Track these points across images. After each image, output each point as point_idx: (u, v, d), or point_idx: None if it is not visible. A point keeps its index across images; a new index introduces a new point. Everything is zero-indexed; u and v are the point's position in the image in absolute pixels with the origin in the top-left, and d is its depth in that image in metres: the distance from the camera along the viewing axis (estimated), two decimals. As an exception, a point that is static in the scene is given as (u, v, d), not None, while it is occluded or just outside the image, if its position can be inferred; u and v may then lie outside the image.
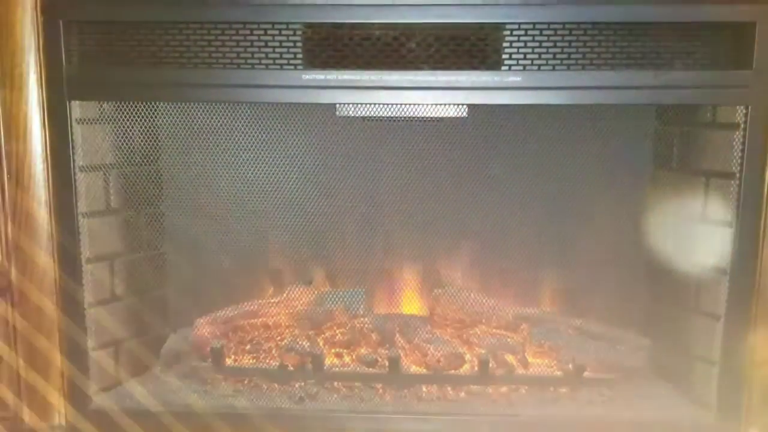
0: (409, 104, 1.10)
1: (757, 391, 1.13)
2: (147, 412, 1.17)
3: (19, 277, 1.12)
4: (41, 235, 1.11)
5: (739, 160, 1.10)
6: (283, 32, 1.06)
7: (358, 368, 1.26)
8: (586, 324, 1.32)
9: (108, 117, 1.19)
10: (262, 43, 1.06)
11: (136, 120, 1.21)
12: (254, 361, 1.29)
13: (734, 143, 1.10)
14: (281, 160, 1.28)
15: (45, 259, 1.12)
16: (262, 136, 1.26)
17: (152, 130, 1.25)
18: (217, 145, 1.28)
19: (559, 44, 1.05)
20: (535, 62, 1.06)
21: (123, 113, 1.20)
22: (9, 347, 1.13)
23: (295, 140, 1.28)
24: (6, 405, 1.14)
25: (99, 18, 1.09)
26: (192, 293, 1.34)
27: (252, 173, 1.28)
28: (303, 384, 1.25)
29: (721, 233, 1.13)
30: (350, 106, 1.11)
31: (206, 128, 1.26)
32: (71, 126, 1.11)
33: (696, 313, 1.19)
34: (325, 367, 1.25)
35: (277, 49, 1.07)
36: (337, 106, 1.11)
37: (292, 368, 1.26)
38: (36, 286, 1.12)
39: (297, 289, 1.36)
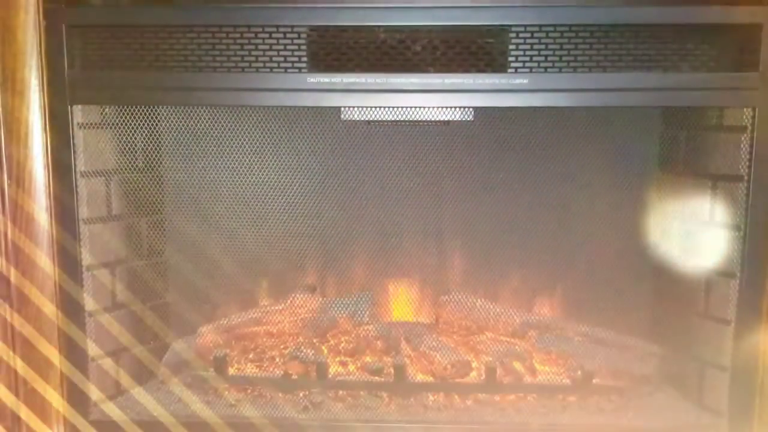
0: (415, 107, 1.09)
1: (769, 397, 1.11)
2: (149, 421, 1.16)
3: (20, 283, 1.10)
4: (42, 241, 1.10)
5: (746, 163, 1.09)
6: (288, 35, 1.06)
7: (363, 376, 1.25)
8: (594, 330, 1.31)
9: (110, 122, 1.18)
10: (267, 47, 1.06)
11: (139, 125, 1.20)
12: (258, 369, 1.28)
13: (741, 146, 1.10)
14: (285, 165, 1.27)
15: (46, 265, 1.10)
16: (266, 141, 1.26)
17: (155, 135, 1.24)
18: (221, 150, 1.27)
19: (565, 46, 1.05)
20: (542, 64, 1.05)
21: (125, 118, 1.19)
22: (10, 354, 1.11)
23: (299, 144, 1.27)
24: (6, 413, 1.12)
25: (101, 22, 1.08)
26: (195, 301, 1.32)
27: (256, 178, 1.27)
28: (307, 393, 1.23)
29: (729, 237, 1.12)
30: (355, 109, 1.11)
31: (209, 133, 1.25)
32: (73, 131, 1.10)
33: (706, 318, 1.18)
34: (329, 376, 1.24)
35: (281, 52, 1.06)
36: (342, 109, 1.11)
37: (296, 377, 1.24)
38: (37, 293, 1.11)
39: (301, 296, 1.35)
